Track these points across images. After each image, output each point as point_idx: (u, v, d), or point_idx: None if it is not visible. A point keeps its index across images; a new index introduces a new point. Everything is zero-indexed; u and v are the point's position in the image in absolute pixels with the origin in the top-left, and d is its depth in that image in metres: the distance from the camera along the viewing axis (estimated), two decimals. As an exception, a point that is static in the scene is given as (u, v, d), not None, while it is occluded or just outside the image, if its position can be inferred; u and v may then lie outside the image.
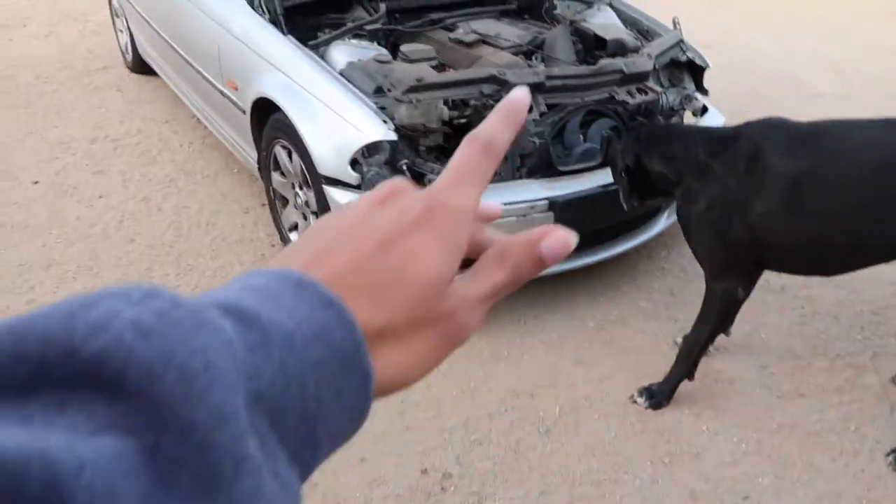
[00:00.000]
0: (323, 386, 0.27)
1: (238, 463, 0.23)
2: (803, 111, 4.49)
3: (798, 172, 1.79)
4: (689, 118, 3.02)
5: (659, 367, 2.42)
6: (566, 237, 0.35)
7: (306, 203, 2.58)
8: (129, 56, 4.53)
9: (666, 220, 2.82)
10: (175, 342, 0.23)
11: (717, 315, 2.06)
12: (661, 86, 2.96)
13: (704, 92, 3.04)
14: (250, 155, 2.96)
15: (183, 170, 3.53)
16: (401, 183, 0.35)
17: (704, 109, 2.99)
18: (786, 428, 2.21)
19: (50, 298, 2.61)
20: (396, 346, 0.31)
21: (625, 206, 2.20)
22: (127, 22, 4.31)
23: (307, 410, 0.26)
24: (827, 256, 1.93)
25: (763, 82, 5.02)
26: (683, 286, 2.83)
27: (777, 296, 2.80)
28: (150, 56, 4.05)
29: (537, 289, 2.74)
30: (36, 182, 3.37)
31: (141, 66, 4.41)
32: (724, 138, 1.97)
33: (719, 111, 3.01)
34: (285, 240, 2.84)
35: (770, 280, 2.87)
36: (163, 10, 3.49)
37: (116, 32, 4.76)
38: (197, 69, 3.17)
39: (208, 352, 0.23)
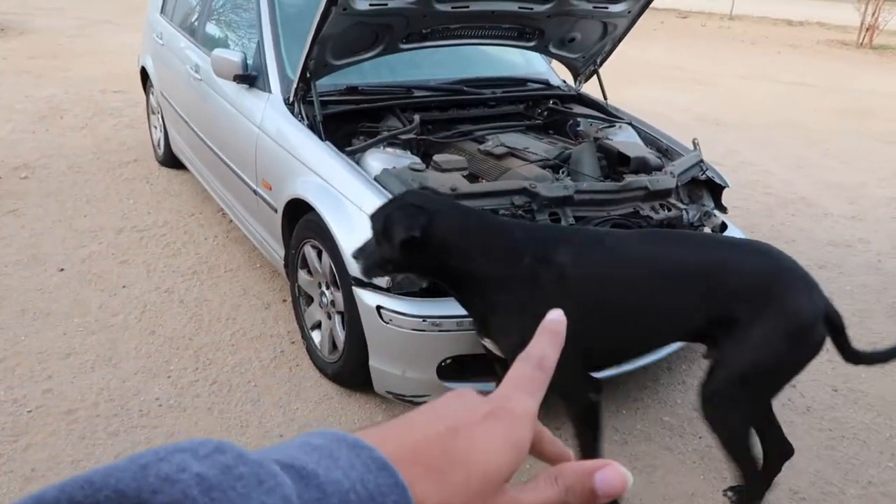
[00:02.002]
0: None
1: None
2: (813, 230, 4.59)
3: (590, 276, 1.86)
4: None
5: (687, 487, 2.35)
6: (623, 474, 0.37)
7: (332, 303, 2.60)
8: (161, 150, 4.70)
9: (688, 334, 2.82)
10: (236, 497, 0.25)
11: (586, 425, 2.03)
12: (683, 202, 3.05)
13: (723, 209, 3.12)
14: (277, 252, 3.01)
15: (206, 262, 3.58)
16: (467, 391, 0.39)
17: (724, 226, 3.06)
18: (821, 559, 2.12)
19: (67, 388, 2.58)
20: None
21: (363, 274, 2.00)
22: (163, 118, 4.50)
23: None
24: (623, 350, 2.06)
25: (773, 200, 5.15)
26: (707, 402, 2.79)
27: (803, 417, 2.75)
28: (183, 152, 4.20)
29: (557, 399, 2.70)
30: (62, 269, 3.41)
31: (171, 161, 4.57)
32: (548, 243, 1.89)
33: (737, 227, 3.07)
34: (307, 337, 2.84)
35: (795, 401, 2.84)
36: (202, 111, 3.65)
37: (150, 128, 4.96)
38: (232, 168, 3.28)
39: None
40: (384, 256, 1.89)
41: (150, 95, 4.79)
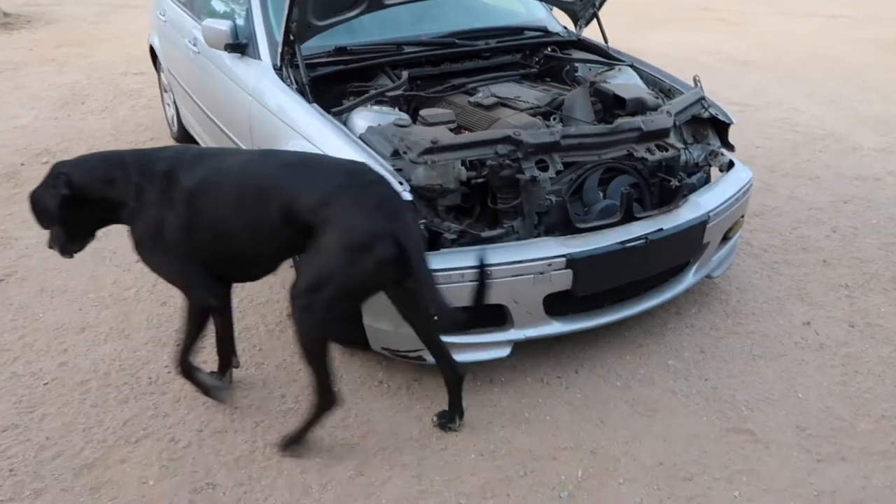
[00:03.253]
0: None
1: None
2: (841, 165, 4.41)
3: (193, 189, 2.03)
4: (715, 173, 2.99)
5: (688, 429, 2.32)
6: None
7: (329, 264, 2.62)
8: (175, 127, 4.76)
9: (694, 276, 2.76)
10: None
11: (195, 322, 2.23)
12: (685, 142, 2.95)
13: (730, 147, 3.01)
14: (278, 218, 3.03)
15: (218, 234, 3.64)
16: None
17: (731, 164, 2.96)
18: (826, 496, 2.07)
19: (81, 361, 2.68)
20: None
21: (63, 254, 2.31)
22: (173, 96, 4.55)
23: None
24: (237, 265, 2.16)
25: (800, 137, 4.95)
26: (714, 343, 2.74)
27: (815, 354, 2.68)
28: (192, 126, 4.25)
29: (561, 347, 2.69)
30: (79, 248, 3.50)
31: (184, 136, 4.63)
32: (151, 159, 2.12)
33: (746, 166, 2.97)
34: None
35: (808, 338, 2.77)
36: (201, 83, 3.68)
37: (164, 106, 5.03)
38: (231, 137, 3.31)
39: None
40: (62, 227, 2.20)
41: (161, 73, 4.85)
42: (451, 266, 2.23)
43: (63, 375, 2.60)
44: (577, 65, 3.25)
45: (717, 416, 2.38)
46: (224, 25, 3.04)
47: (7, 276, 3.28)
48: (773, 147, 4.76)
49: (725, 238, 2.88)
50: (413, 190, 2.28)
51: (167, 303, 3.06)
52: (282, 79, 2.85)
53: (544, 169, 2.37)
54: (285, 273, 3.22)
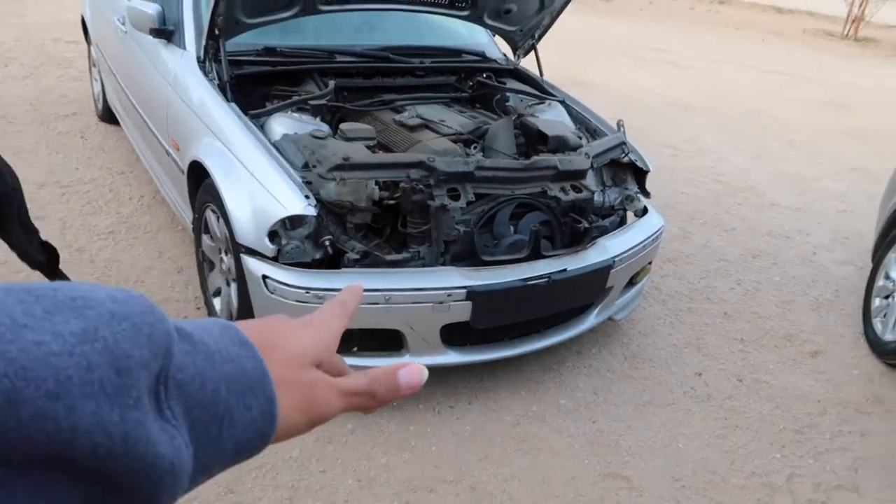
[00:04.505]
0: (233, 397, 0.36)
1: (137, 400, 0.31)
2: (756, 219, 4.58)
3: None
4: (630, 218, 3.05)
5: (568, 471, 2.34)
6: (420, 370, 0.48)
7: (229, 269, 2.54)
8: (100, 104, 4.57)
9: (596, 318, 2.80)
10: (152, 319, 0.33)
11: None
12: (604, 184, 3.00)
13: (646, 193, 3.08)
14: (187, 215, 2.94)
15: (126, 223, 3.50)
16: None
17: (645, 210, 3.02)
18: (689, 548, 2.12)
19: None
20: (281, 388, 0.40)
21: None
22: (100, 72, 4.37)
23: (217, 412, 0.35)
24: None
25: (724, 188, 5.12)
26: (608, 386, 2.78)
27: (702, 404, 2.75)
28: (115, 107, 4.09)
29: (458, 377, 2.68)
30: (-28, 221, 3.31)
31: (109, 116, 4.45)
32: None
33: (659, 214, 3.04)
34: (208, 304, 2.78)
35: (697, 389, 2.84)
36: (125, 64, 3.54)
37: (92, 81, 4.82)
38: (149, 125, 3.19)
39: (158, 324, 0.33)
40: None
41: (90, 46, 4.65)
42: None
43: None
44: (508, 94, 3.27)
45: (597, 460, 2.41)
46: (150, 9, 2.93)
47: None
48: (697, 195, 4.91)
49: (631, 283, 2.93)
50: (321, 204, 2.24)
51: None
52: (204, 73, 2.76)
53: (456, 198, 2.36)
54: (191, 272, 3.11)
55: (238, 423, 0.36)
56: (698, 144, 6.09)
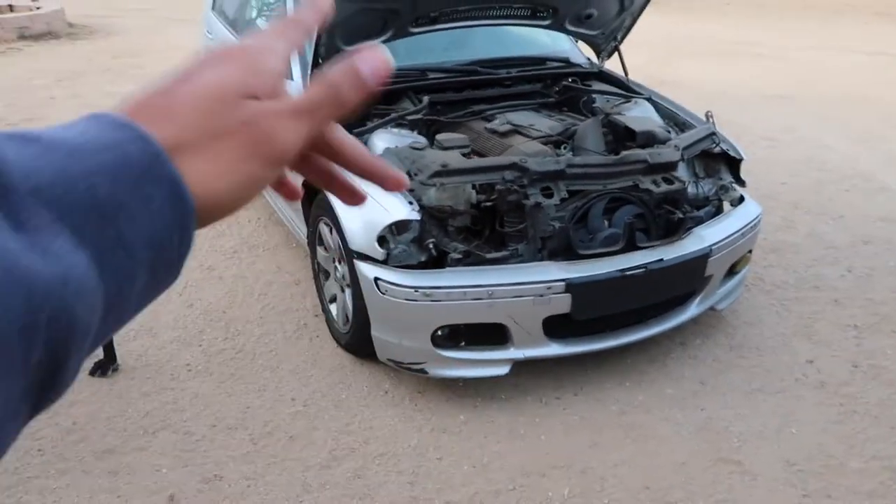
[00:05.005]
0: (121, 190, 0.30)
1: None
2: (866, 205, 4.40)
3: None
4: (727, 208, 3.05)
5: (678, 456, 2.38)
6: (381, 51, 0.37)
7: (343, 276, 2.76)
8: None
9: (697, 307, 2.81)
10: None
11: None
12: (696, 176, 3.02)
13: (741, 183, 3.07)
14: (301, 230, 3.20)
15: (247, 243, 3.83)
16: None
17: (741, 199, 3.02)
18: (808, 529, 2.11)
19: (116, 351, 2.87)
20: (199, 157, 0.33)
21: None
22: (214, 110, 4.79)
23: (104, 210, 0.29)
24: None
25: (827, 175, 4.93)
26: (715, 376, 2.79)
27: (815, 391, 2.70)
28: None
29: (563, 370, 2.77)
30: (117, 249, 3.73)
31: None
32: None
33: (755, 201, 3.02)
34: (326, 310, 3.01)
35: (810, 376, 2.80)
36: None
37: (207, 119, 5.28)
38: (263, 152, 3.50)
39: None
40: None
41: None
42: (453, 284, 2.35)
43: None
44: (595, 96, 3.36)
45: (707, 446, 2.43)
46: (261, 47, 3.23)
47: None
48: (800, 184, 4.76)
49: (732, 272, 2.93)
50: (423, 209, 2.42)
51: (194, 305, 3.23)
52: (311, 99, 3.02)
53: (549, 195, 2.47)
54: (307, 284, 3.38)
55: (139, 217, 0.30)
56: (798, 133, 5.89)
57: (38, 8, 9.84)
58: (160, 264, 0.32)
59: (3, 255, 0.25)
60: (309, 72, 2.96)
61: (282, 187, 0.44)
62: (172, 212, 0.31)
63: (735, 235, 2.75)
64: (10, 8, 10.10)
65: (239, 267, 3.59)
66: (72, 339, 0.28)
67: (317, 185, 0.44)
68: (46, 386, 0.28)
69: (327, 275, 2.99)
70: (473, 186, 2.48)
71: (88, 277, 0.28)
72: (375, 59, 0.37)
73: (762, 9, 13.18)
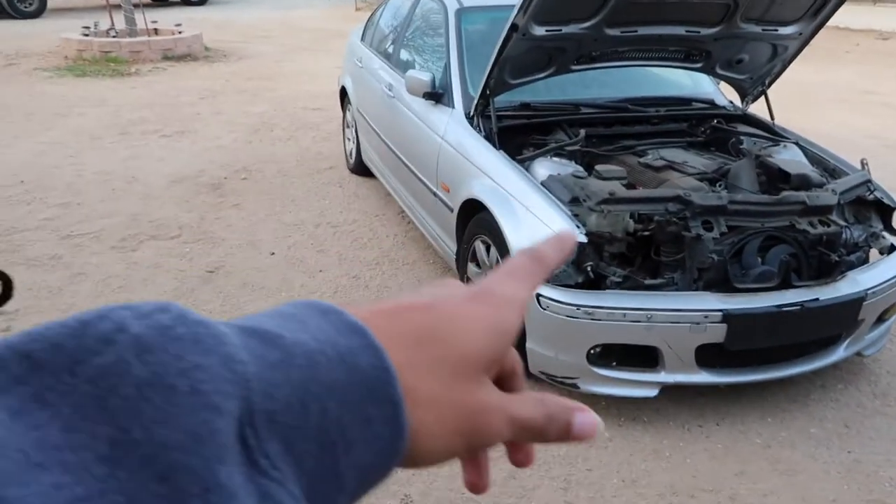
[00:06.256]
0: (346, 412, 0.27)
1: (208, 489, 0.22)
2: None
3: None
4: (874, 256, 3.06)
5: (828, 494, 2.40)
6: (597, 421, 0.36)
7: (496, 292, 2.94)
8: (352, 160, 5.35)
9: (845, 350, 2.83)
10: (169, 360, 0.23)
11: None
12: (847, 221, 3.05)
13: (893, 231, 3.08)
14: (450, 247, 3.42)
15: (388, 256, 4.09)
16: (453, 280, 0.38)
17: (892, 248, 3.02)
18: (971, 579, 2.09)
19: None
20: (425, 404, 0.30)
21: None
22: (356, 131, 5.15)
23: (327, 437, 0.26)
24: None
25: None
26: (859, 420, 2.79)
27: (969, 445, 2.66)
28: (372, 160, 4.80)
29: (705, 400, 2.84)
30: (272, 253, 4.07)
31: (360, 169, 5.20)
32: None
33: (908, 251, 3.01)
34: (471, 323, 3.20)
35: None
36: (392, 124, 4.19)
37: (344, 140, 5.66)
38: (415, 172, 3.76)
39: (198, 370, 0.23)
40: None
41: (347, 111, 5.48)
42: (614, 305, 2.49)
43: (263, 356, 3.07)
44: (742, 137, 3.45)
45: (857, 486, 2.44)
46: (426, 77, 3.51)
47: (217, 268, 3.87)
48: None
49: (881, 319, 2.93)
50: (586, 234, 2.58)
51: (345, 309, 3.49)
52: (472, 126, 3.26)
53: (710, 229, 2.59)
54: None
55: (357, 443, 0.27)
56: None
57: (180, 32, 10.73)
58: (359, 493, 0.29)
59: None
60: (475, 100, 3.19)
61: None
62: (389, 436, 0.28)
63: (890, 282, 2.77)
64: (156, 31, 11.06)
65: (382, 278, 3.84)
66: None
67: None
68: None
69: (476, 290, 3.17)
70: (632, 216, 2.63)
71: None
72: (589, 424, 0.35)
73: (886, 56, 12.77)
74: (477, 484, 0.38)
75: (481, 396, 0.32)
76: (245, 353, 0.25)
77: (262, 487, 0.24)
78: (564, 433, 0.35)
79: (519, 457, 0.38)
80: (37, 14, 14.14)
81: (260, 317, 0.29)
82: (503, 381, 0.37)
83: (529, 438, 0.36)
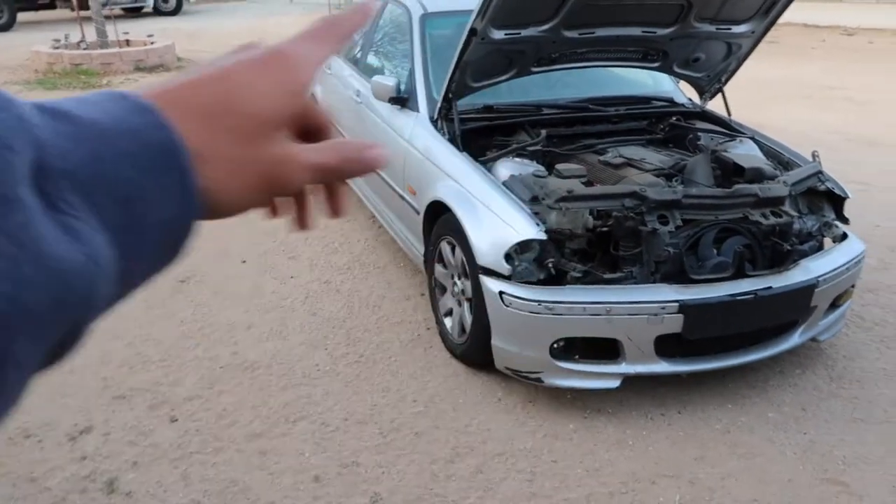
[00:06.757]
0: (139, 175, 0.31)
1: (8, 199, 0.26)
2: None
3: None
4: (827, 244, 3.17)
5: (784, 475, 2.49)
6: (385, 153, 0.42)
7: (462, 291, 3.00)
8: (324, 166, 5.39)
9: (800, 336, 2.93)
10: None
11: None
12: (800, 212, 3.15)
13: (845, 221, 3.18)
14: (418, 249, 3.48)
15: (358, 260, 4.14)
16: (256, 42, 0.39)
17: (844, 236, 3.13)
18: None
19: (249, 352, 3.18)
20: (219, 166, 0.34)
21: None
22: (327, 138, 5.19)
23: (126, 193, 0.30)
24: None
25: (924, 220, 4.92)
26: (816, 403, 2.88)
27: (919, 424, 2.76)
28: (343, 166, 4.84)
29: (666, 389, 2.92)
30: (244, 261, 4.10)
31: (332, 175, 5.24)
32: None
33: (859, 239, 3.12)
34: (440, 323, 3.26)
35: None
36: (360, 129, 4.24)
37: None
38: (383, 177, 3.81)
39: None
40: None
41: (318, 118, 5.52)
42: (574, 300, 2.56)
43: (234, 362, 3.10)
44: (700, 134, 3.54)
45: (812, 466, 2.53)
46: (391, 82, 3.57)
47: (188, 277, 3.89)
48: (894, 228, 4.78)
49: (835, 305, 3.03)
50: (547, 232, 2.65)
51: (316, 314, 3.54)
52: (436, 129, 3.32)
53: (665, 223, 2.67)
54: (417, 300, 3.64)
55: (154, 202, 0.31)
56: (891, 178, 5.87)
57: (152, 43, 10.70)
58: (167, 247, 0.34)
59: (40, 243, 0.26)
60: (438, 104, 3.26)
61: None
62: (183, 200, 0.33)
63: (840, 269, 2.87)
64: (128, 42, 11.02)
65: (353, 282, 3.89)
66: (91, 315, 0.30)
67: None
68: (60, 352, 0.30)
69: (443, 290, 3.24)
70: (591, 212, 2.70)
71: (110, 259, 0.29)
72: (379, 155, 0.42)
73: (852, 54, 13.03)
74: (302, 221, 0.46)
75: (274, 150, 0.36)
76: (39, 120, 0.29)
77: (63, 221, 0.27)
78: (358, 167, 0.41)
79: (331, 206, 0.46)
80: (6, 28, 14.04)
81: (59, 100, 0.32)
82: (313, 136, 0.41)
83: (331, 178, 0.41)
